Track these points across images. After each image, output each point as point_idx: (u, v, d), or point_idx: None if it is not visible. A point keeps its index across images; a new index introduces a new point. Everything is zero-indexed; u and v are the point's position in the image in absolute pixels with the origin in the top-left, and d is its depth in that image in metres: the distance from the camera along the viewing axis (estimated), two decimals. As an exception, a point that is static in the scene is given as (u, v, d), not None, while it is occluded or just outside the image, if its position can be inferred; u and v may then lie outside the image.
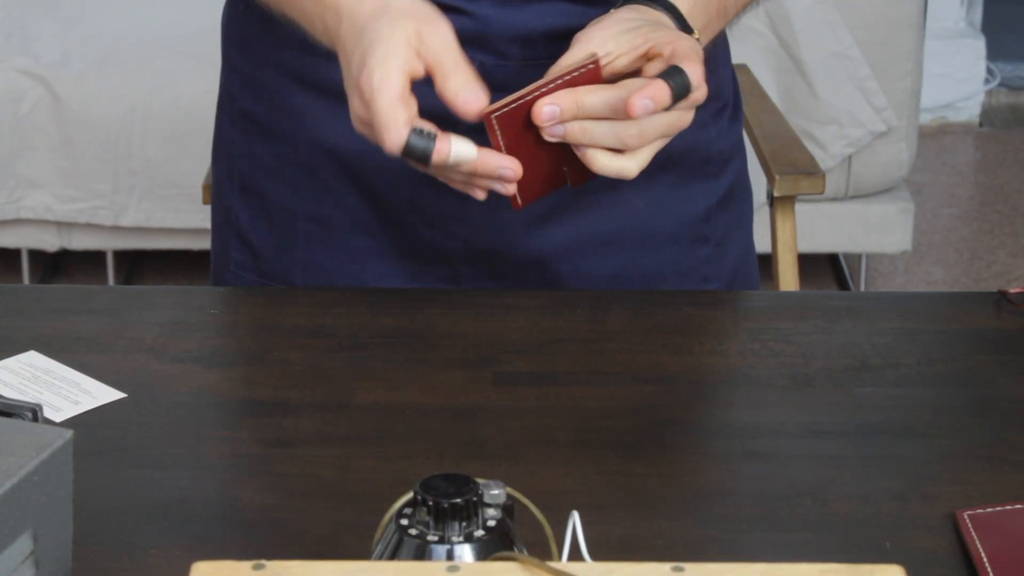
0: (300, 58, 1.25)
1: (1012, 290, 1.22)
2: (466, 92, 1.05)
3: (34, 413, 0.93)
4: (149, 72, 2.99)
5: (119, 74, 2.99)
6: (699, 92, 1.08)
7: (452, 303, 1.21)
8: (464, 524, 0.76)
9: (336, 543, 0.91)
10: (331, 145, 1.26)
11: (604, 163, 1.08)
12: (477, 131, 1.07)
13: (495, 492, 0.78)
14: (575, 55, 1.09)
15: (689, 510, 0.96)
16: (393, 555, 0.76)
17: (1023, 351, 1.15)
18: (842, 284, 3.36)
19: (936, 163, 3.95)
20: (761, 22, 3.01)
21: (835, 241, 3.16)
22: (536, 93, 1.06)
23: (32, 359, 1.12)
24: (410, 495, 0.78)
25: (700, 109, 1.29)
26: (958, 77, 4.14)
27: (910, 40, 3.06)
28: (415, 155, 1.05)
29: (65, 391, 1.08)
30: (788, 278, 2.00)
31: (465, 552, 0.76)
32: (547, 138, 1.07)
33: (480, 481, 0.78)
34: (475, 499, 0.76)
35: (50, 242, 3.10)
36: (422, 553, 0.76)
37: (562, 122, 1.06)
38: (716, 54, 1.29)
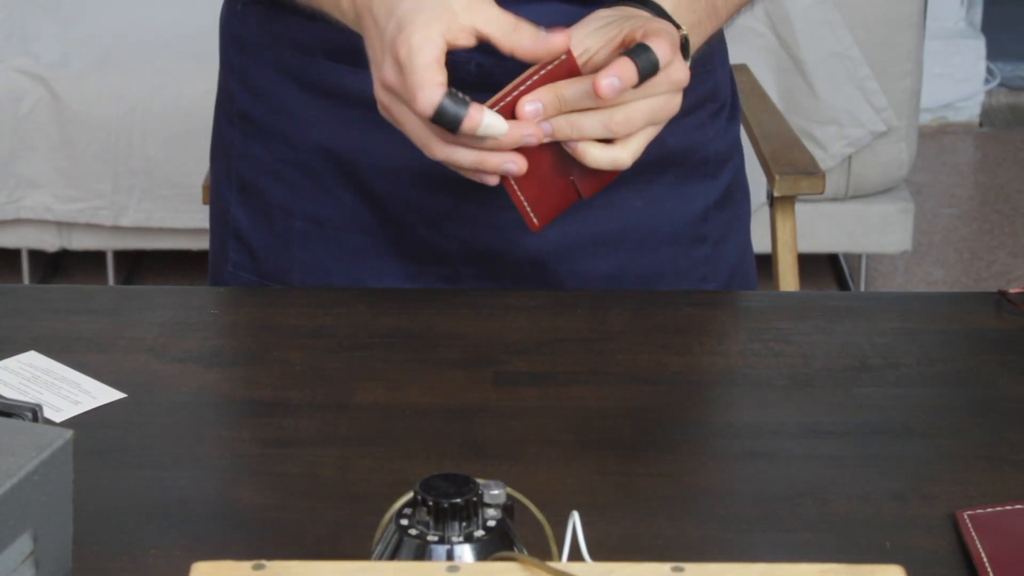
0: (299, 58, 1.25)
1: (1012, 290, 1.22)
2: (546, 33, 1.05)
3: (34, 413, 0.93)
4: (149, 72, 2.99)
5: (119, 74, 2.99)
6: (677, 73, 1.07)
7: (452, 303, 1.21)
8: (464, 524, 0.76)
9: (336, 543, 0.91)
10: (329, 145, 1.26)
11: (596, 155, 1.08)
12: None
13: (495, 492, 0.78)
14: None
15: (689, 510, 0.96)
16: (393, 555, 0.76)
17: (1023, 351, 1.15)
18: (842, 284, 3.36)
19: (936, 163, 3.96)
20: (761, 22, 3.01)
21: (835, 241, 3.16)
22: (516, 92, 1.06)
23: (32, 359, 1.12)
24: (410, 495, 0.78)
25: (697, 110, 1.29)
26: (958, 77, 4.14)
27: (910, 40, 3.06)
28: (446, 118, 1.03)
29: (65, 391, 1.08)
30: (788, 278, 2.00)
31: (465, 552, 0.76)
32: (538, 140, 1.06)
33: (480, 481, 0.78)
34: (475, 499, 0.76)
35: (50, 242, 3.10)
36: (422, 553, 0.76)
37: (547, 118, 1.06)
38: (713, 54, 1.29)
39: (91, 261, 3.31)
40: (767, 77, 2.95)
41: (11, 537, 0.73)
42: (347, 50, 1.20)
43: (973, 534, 0.91)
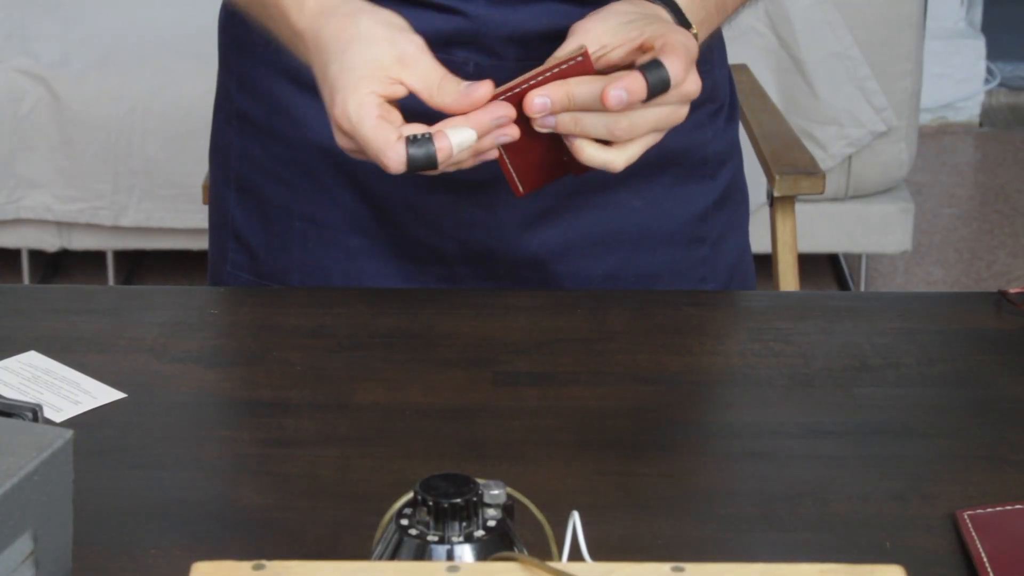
0: (296, 59, 1.25)
1: (1012, 290, 1.22)
2: (469, 87, 1.05)
3: (34, 413, 0.93)
4: (149, 72, 2.99)
5: (119, 74, 2.99)
6: (689, 86, 1.07)
7: (452, 303, 1.21)
8: (464, 524, 0.76)
9: (336, 543, 0.91)
10: (327, 145, 1.26)
11: (591, 154, 1.08)
12: None
13: (495, 492, 0.78)
14: (569, 46, 1.09)
15: (689, 510, 0.96)
16: (393, 555, 0.76)
17: (1023, 351, 1.15)
18: (842, 284, 3.36)
19: (936, 163, 3.96)
20: (761, 22, 3.01)
21: (835, 241, 3.16)
22: (526, 85, 1.07)
23: (32, 359, 1.12)
24: (410, 495, 0.78)
25: (696, 110, 1.29)
26: (958, 77, 4.14)
27: (910, 40, 3.06)
28: (420, 164, 1.03)
29: (65, 391, 1.08)
30: (788, 278, 2.00)
31: (465, 552, 0.76)
32: (538, 129, 1.07)
33: (480, 481, 0.78)
34: (475, 499, 0.76)
35: (50, 242, 3.10)
36: (422, 553, 0.76)
37: (553, 113, 1.07)
38: (712, 54, 1.29)
39: (91, 261, 3.31)
40: (767, 77, 2.94)
41: (11, 537, 0.73)
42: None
43: (973, 534, 0.91)
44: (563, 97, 1.06)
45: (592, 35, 1.08)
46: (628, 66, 1.09)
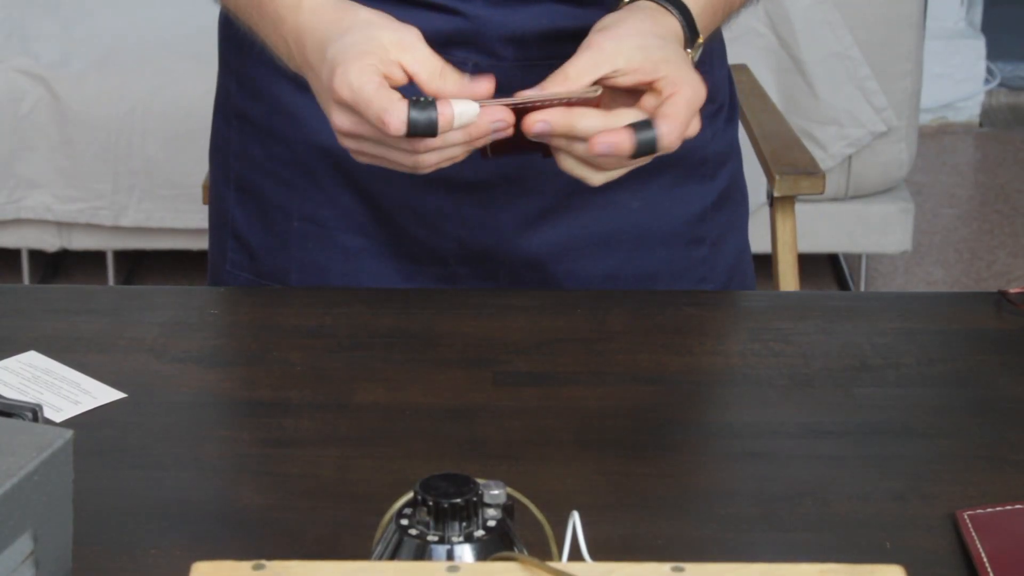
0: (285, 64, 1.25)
1: (1012, 290, 1.22)
2: (472, 80, 1.05)
3: (34, 413, 0.93)
4: (149, 72, 2.99)
5: (119, 74, 2.99)
6: (690, 131, 1.08)
7: (452, 303, 1.21)
8: (464, 524, 0.76)
9: (336, 543, 0.91)
10: (326, 145, 1.26)
11: (570, 166, 1.09)
12: None
13: (495, 492, 0.78)
14: (581, 62, 1.07)
15: (689, 510, 0.96)
16: (393, 555, 0.76)
17: (1023, 351, 1.15)
18: (842, 284, 3.36)
19: (936, 163, 3.95)
20: (761, 22, 3.01)
21: (835, 241, 3.16)
22: (529, 104, 1.06)
23: (32, 359, 1.12)
24: (410, 495, 0.78)
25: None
26: (958, 77, 4.14)
27: (910, 40, 3.06)
28: (420, 128, 1.02)
29: (65, 391, 1.08)
30: (788, 278, 2.00)
31: (465, 552, 0.76)
32: (531, 137, 1.06)
33: (480, 481, 0.78)
34: (475, 499, 0.76)
35: (50, 242, 3.10)
36: (422, 553, 0.76)
37: (552, 135, 1.06)
38: (712, 55, 1.29)
39: (91, 261, 3.31)
40: (767, 77, 2.94)
41: (11, 537, 0.73)
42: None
43: (973, 534, 0.91)
44: (565, 127, 1.05)
45: (606, 55, 1.07)
46: (632, 92, 1.08)
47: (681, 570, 0.72)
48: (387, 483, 0.96)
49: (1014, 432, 1.04)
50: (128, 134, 2.97)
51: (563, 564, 0.73)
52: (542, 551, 0.79)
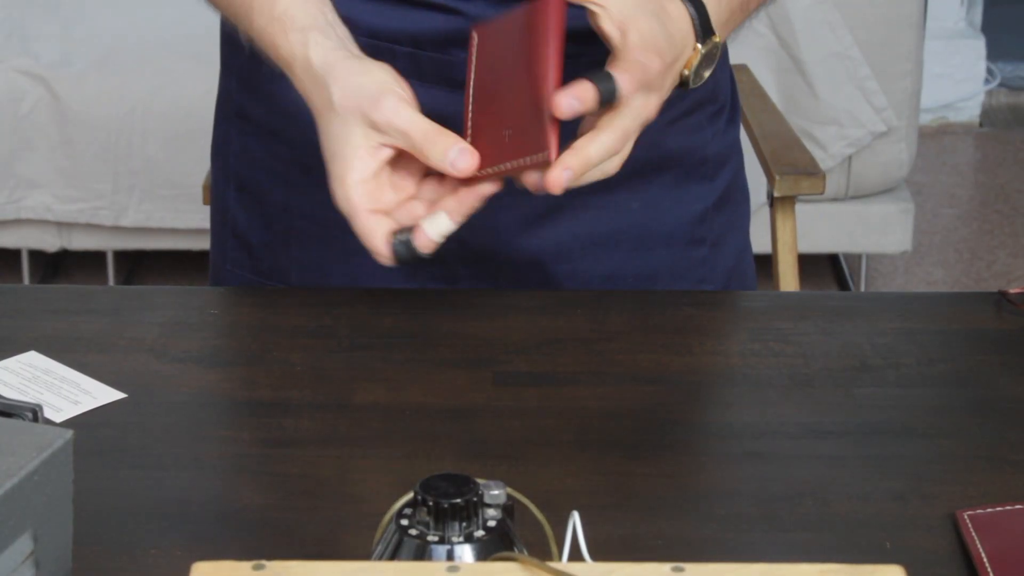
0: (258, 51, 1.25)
1: (1012, 290, 1.22)
2: (452, 154, 1.05)
3: (34, 413, 0.93)
4: (149, 72, 2.99)
5: (119, 74, 2.99)
6: (612, 164, 1.06)
7: (452, 303, 1.21)
8: (464, 524, 0.76)
9: (336, 543, 0.91)
10: (328, 145, 1.26)
11: (531, 180, 1.07)
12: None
13: (495, 492, 0.78)
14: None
15: (689, 510, 0.96)
16: (393, 555, 0.76)
17: (1023, 351, 1.15)
18: (842, 284, 3.36)
19: (936, 163, 3.96)
20: (761, 22, 3.01)
21: (835, 241, 3.16)
22: (501, 169, 1.05)
23: (32, 359, 1.13)
24: (410, 495, 0.78)
25: (696, 111, 1.29)
26: (958, 77, 4.14)
27: (910, 40, 3.06)
28: (407, 262, 1.07)
29: (65, 391, 1.08)
30: (788, 278, 2.00)
31: (465, 552, 0.76)
32: (557, 190, 1.04)
33: (480, 481, 0.78)
34: (475, 499, 0.76)
35: (50, 242, 3.10)
36: (422, 553, 0.76)
37: (574, 181, 1.05)
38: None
39: (91, 261, 3.31)
40: (767, 77, 2.94)
41: (11, 537, 0.73)
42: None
43: (973, 534, 0.91)
44: (583, 165, 1.04)
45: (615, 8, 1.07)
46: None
47: (681, 570, 0.72)
48: (387, 483, 0.96)
49: (1014, 432, 1.04)
50: (128, 134, 2.97)
51: (563, 564, 0.73)
52: (542, 551, 0.79)
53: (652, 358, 1.13)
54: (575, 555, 0.76)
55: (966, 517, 0.93)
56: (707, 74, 1.12)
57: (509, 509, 0.79)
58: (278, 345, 1.15)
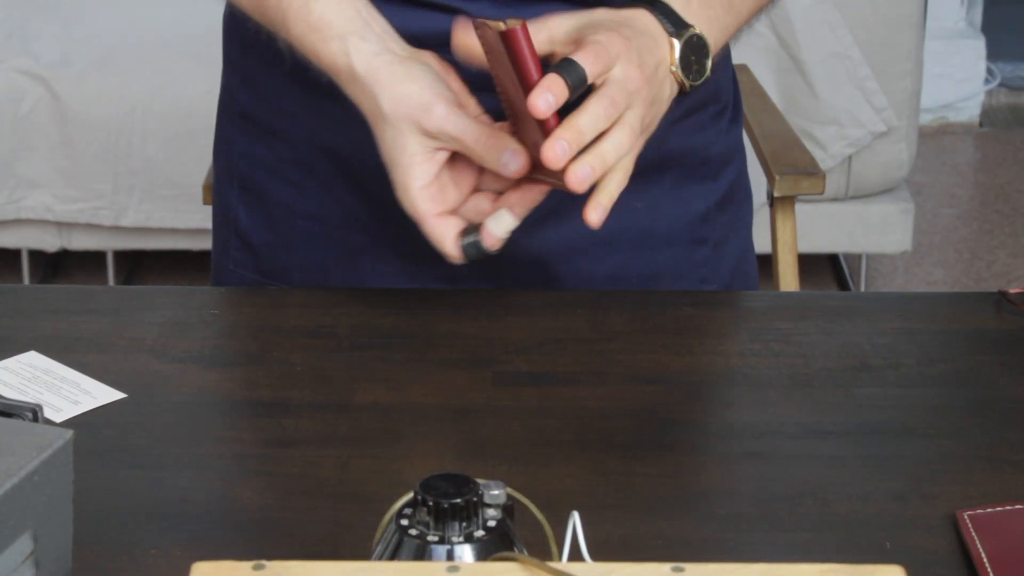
0: (299, 58, 1.25)
1: (1012, 290, 1.22)
2: (505, 157, 1.08)
3: (34, 413, 0.93)
4: (149, 72, 2.99)
5: (119, 74, 3.00)
6: (631, 82, 1.07)
7: (452, 303, 1.21)
8: (464, 524, 0.76)
9: (336, 543, 0.91)
10: (329, 145, 1.26)
11: (613, 189, 1.09)
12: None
13: (495, 492, 0.78)
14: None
15: (689, 510, 0.96)
16: (393, 555, 0.76)
17: (1023, 351, 1.15)
18: (842, 284, 3.36)
19: (936, 163, 3.96)
20: (761, 22, 2.99)
21: (835, 241, 3.16)
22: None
23: (32, 359, 1.12)
24: (410, 495, 0.78)
25: (698, 111, 1.29)
26: (958, 77, 4.14)
27: (910, 40, 3.06)
28: (477, 259, 1.11)
29: (65, 391, 1.08)
30: (788, 278, 2.00)
31: (465, 552, 0.76)
32: (581, 188, 1.06)
33: (480, 481, 0.78)
34: (475, 499, 0.76)
35: (50, 242, 3.10)
36: (422, 553, 0.76)
37: (571, 152, 1.05)
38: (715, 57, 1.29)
39: (91, 261, 3.31)
40: (767, 77, 2.94)
41: (11, 537, 0.73)
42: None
43: (973, 534, 0.91)
44: (574, 135, 1.05)
45: (545, 24, 1.09)
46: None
47: (681, 570, 0.72)
48: (387, 483, 0.96)
49: (1014, 432, 1.04)
50: (128, 134, 2.97)
51: (563, 564, 0.73)
52: (542, 551, 0.79)
53: (652, 358, 1.13)
54: (575, 555, 0.76)
55: (966, 517, 0.93)
56: (708, 65, 1.13)
57: (509, 509, 0.79)
58: (278, 345, 1.15)
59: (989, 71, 4.23)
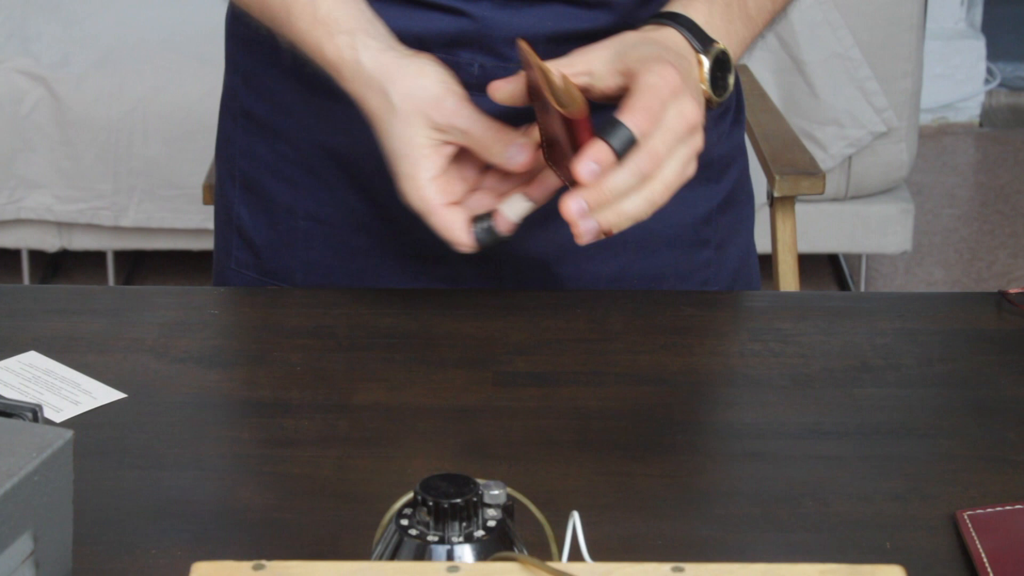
0: (301, 58, 1.25)
1: (1012, 290, 1.22)
2: (511, 152, 1.09)
3: (34, 413, 0.93)
4: (149, 72, 2.99)
5: (119, 74, 3.00)
6: (691, 115, 1.05)
7: (452, 303, 1.21)
8: (464, 524, 0.76)
9: (336, 543, 0.91)
10: (331, 144, 1.26)
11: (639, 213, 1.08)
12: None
13: (495, 492, 0.78)
14: (565, 68, 1.07)
15: (689, 510, 0.96)
16: (393, 555, 0.76)
17: (1023, 351, 1.15)
18: (842, 284, 3.37)
19: (936, 163, 3.96)
20: (761, 22, 3.01)
21: (835, 241, 3.16)
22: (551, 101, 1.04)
23: (32, 359, 1.13)
24: (410, 495, 0.78)
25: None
26: (958, 77, 4.14)
27: (910, 40, 3.06)
28: (490, 245, 1.11)
29: (65, 391, 1.08)
30: (788, 278, 2.00)
31: (465, 552, 0.76)
32: (582, 241, 1.04)
33: (480, 481, 0.78)
34: (475, 499, 0.76)
35: (50, 242, 3.10)
36: (422, 553, 0.76)
37: (592, 211, 1.04)
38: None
39: (91, 261, 3.31)
40: (767, 77, 2.95)
41: (11, 537, 0.73)
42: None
43: (973, 534, 0.91)
44: (599, 199, 1.03)
45: (583, 58, 1.08)
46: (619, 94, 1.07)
47: (681, 570, 0.72)
48: (387, 483, 0.96)
49: (1014, 432, 1.04)
50: (128, 134, 2.97)
51: (563, 564, 0.73)
52: (542, 551, 0.79)
53: (652, 358, 1.13)
54: (575, 555, 0.76)
55: (966, 517, 0.93)
56: (731, 80, 1.13)
57: (509, 509, 0.79)
58: (278, 345, 1.15)
59: (989, 71, 4.23)
